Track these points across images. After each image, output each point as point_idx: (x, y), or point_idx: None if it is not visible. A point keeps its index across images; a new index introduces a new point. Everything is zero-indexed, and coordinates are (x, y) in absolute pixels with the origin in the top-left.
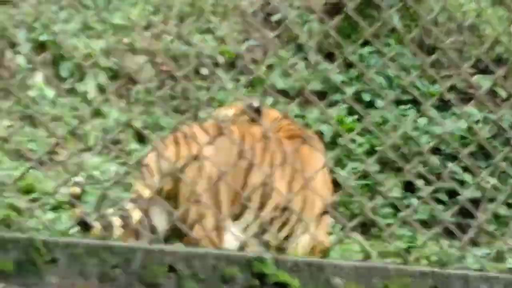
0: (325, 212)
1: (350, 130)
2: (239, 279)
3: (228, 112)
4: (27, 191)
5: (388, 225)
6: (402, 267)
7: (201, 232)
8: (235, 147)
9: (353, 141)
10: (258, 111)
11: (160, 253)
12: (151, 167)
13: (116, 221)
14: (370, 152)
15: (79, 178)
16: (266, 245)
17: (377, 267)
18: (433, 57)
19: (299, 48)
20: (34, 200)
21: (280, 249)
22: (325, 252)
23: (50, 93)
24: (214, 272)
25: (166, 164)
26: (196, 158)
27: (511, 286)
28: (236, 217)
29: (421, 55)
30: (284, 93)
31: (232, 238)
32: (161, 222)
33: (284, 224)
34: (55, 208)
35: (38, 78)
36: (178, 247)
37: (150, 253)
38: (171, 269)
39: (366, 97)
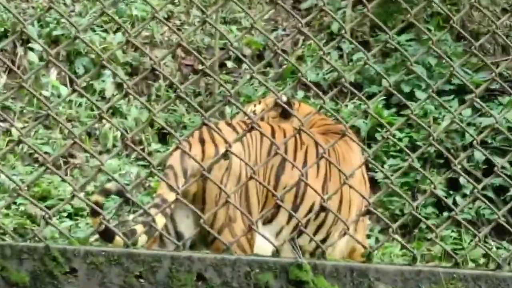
0: (364, 213)
1: (389, 124)
2: (275, 286)
3: (256, 107)
4: (42, 197)
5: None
6: (453, 270)
7: (231, 237)
8: (265, 144)
9: (392, 136)
10: (288, 105)
11: (187, 261)
12: (175, 168)
13: (139, 228)
14: (411, 148)
15: (109, 185)
16: (301, 249)
17: (425, 271)
18: (481, 40)
19: (332, 37)
20: (50, 207)
21: (316, 253)
22: (364, 256)
23: (65, 91)
24: (247, 280)
25: (192, 164)
26: (223, 156)
27: None
28: (268, 220)
29: (465, 41)
30: (316, 86)
31: (264, 243)
32: (187, 227)
33: (319, 227)
34: (73, 215)
35: (52, 76)
36: (207, 254)
37: (176, 260)
38: (200, 277)
39: (406, 88)
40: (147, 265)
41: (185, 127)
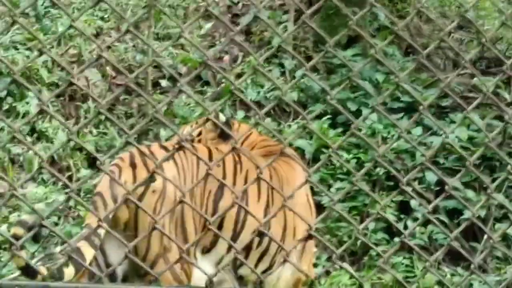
0: (304, 238)
1: (334, 144)
2: None
3: (193, 129)
4: None
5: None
6: None
7: (165, 269)
8: (202, 168)
9: (338, 156)
10: (227, 126)
11: None
12: (104, 195)
13: (66, 264)
14: (358, 169)
15: (25, 217)
16: (244, 280)
17: None
18: (429, 48)
19: (273, 53)
20: None
21: (259, 284)
22: (310, 287)
23: None
24: None
25: (122, 191)
26: (150, 179)
27: None
28: (207, 249)
29: (414, 55)
30: (257, 105)
31: (202, 274)
32: (119, 259)
33: (262, 255)
34: None
35: None
36: (136, 285)
37: None
38: None
39: (352, 106)
40: None
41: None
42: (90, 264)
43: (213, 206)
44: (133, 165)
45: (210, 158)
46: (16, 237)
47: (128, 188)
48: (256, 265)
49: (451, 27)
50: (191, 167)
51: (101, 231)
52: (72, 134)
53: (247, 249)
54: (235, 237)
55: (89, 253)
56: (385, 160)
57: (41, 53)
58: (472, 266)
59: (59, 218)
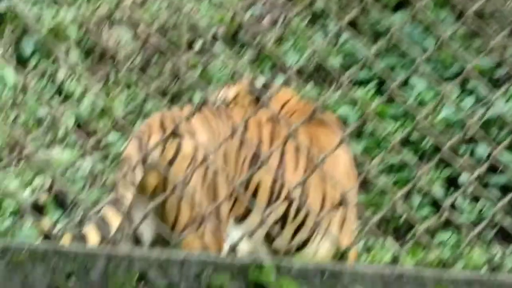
0: (338, 204)
1: (380, 114)
2: None
3: (228, 92)
4: None
5: (427, 229)
6: (441, 274)
7: (196, 238)
8: (237, 134)
9: (384, 127)
10: (264, 90)
11: (127, 259)
12: (133, 159)
13: (91, 231)
14: (405, 141)
15: (49, 181)
16: (278, 253)
17: (408, 274)
18: (475, 6)
19: (316, 16)
20: None
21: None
22: (351, 262)
23: (10, 74)
24: (197, 282)
25: (151, 155)
26: (187, 147)
27: None
28: (240, 219)
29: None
30: (298, 71)
31: (233, 245)
32: (146, 227)
33: (299, 227)
34: (17, 213)
35: None
36: (150, 252)
37: (113, 259)
38: (142, 278)
39: (400, 74)
40: (79, 263)
41: (147, 115)
42: (116, 231)
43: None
44: (163, 128)
45: (246, 124)
46: (39, 203)
47: (157, 152)
48: (292, 238)
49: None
50: (226, 132)
51: (129, 197)
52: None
53: (283, 220)
54: (269, 205)
55: (115, 220)
56: (433, 131)
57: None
58: None
59: (85, 183)
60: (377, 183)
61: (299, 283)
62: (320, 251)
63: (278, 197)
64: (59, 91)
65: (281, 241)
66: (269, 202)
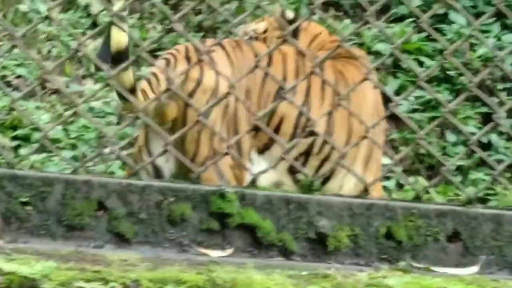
0: (361, 139)
1: (418, 50)
2: (192, 219)
3: (258, 26)
4: (13, 126)
5: (460, 168)
6: (412, 205)
7: (216, 173)
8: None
9: (421, 64)
10: (293, 24)
11: (85, 186)
12: (159, 76)
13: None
14: (442, 78)
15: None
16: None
17: (378, 205)
18: None
19: None
20: (20, 138)
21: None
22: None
23: (43, 6)
24: (158, 210)
25: (175, 82)
26: (208, 80)
27: None
28: (261, 150)
29: None
30: (335, 5)
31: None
32: (166, 160)
33: (323, 162)
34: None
35: None
36: (109, 179)
37: (72, 185)
38: (101, 206)
39: (439, 9)
40: (35, 189)
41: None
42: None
43: (272, 110)
44: (188, 59)
45: (270, 58)
46: None
47: (179, 82)
48: (316, 172)
49: None
50: (248, 66)
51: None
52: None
53: (306, 154)
54: (293, 139)
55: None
56: (472, 68)
57: None
58: None
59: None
60: (409, 120)
61: (263, 213)
62: (345, 186)
63: (302, 132)
64: (93, 23)
65: (303, 175)
66: (293, 137)
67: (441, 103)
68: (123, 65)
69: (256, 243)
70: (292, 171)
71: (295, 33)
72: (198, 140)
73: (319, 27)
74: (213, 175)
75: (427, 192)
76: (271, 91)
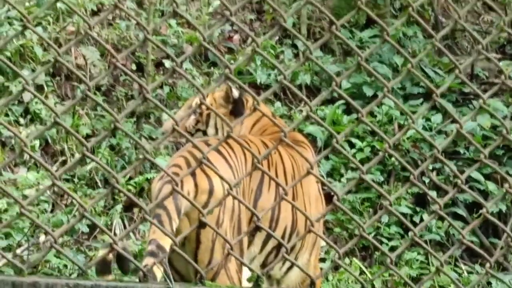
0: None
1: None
2: None
3: (184, 113)
4: None
5: (394, 248)
6: None
7: (227, 279)
8: (248, 163)
9: (352, 145)
10: (240, 102)
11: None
12: (169, 208)
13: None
14: (372, 158)
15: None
16: (271, 278)
17: None
18: (443, 31)
19: (286, 33)
20: None
21: (282, 280)
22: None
23: None
24: None
25: (185, 203)
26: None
27: None
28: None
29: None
30: (267, 88)
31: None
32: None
33: (290, 252)
34: None
35: None
36: (56, 279)
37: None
38: None
39: (368, 91)
40: None
41: (114, 135)
42: None
43: (253, 204)
44: (192, 173)
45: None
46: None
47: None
48: (282, 263)
49: (467, 8)
50: (241, 165)
51: (167, 247)
52: (57, 117)
53: (278, 247)
54: (269, 235)
55: (158, 271)
56: (401, 149)
57: (25, 28)
58: (487, 265)
59: (51, 204)
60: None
61: None
62: (291, 274)
63: (276, 224)
64: (25, 111)
65: (275, 268)
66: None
67: (380, 184)
68: None
69: None
70: (263, 266)
71: (239, 111)
72: (212, 250)
73: (264, 108)
74: (225, 281)
75: (363, 273)
76: (253, 187)
